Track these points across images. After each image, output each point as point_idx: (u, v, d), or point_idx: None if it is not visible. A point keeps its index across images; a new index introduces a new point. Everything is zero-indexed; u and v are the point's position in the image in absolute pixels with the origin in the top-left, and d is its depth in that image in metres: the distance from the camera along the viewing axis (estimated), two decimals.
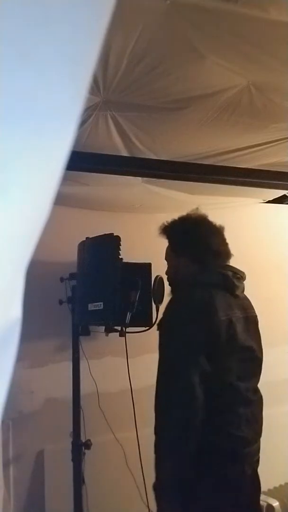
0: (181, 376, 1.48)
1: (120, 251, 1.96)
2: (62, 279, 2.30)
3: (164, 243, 1.84)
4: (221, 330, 1.54)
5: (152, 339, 1.69)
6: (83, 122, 1.45)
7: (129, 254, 2.02)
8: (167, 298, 1.80)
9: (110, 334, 2.07)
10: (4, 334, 0.33)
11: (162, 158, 1.82)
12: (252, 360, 1.66)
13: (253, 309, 1.77)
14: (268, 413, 1.67)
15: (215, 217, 1.79)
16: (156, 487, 1.51)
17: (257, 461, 1.64)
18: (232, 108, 1.44)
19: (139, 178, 2.02)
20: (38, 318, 2.24)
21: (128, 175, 1.93)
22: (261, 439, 1.66)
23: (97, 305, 1.96)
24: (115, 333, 2.05)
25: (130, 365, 2.14)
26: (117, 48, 1.09)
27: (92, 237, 2.09)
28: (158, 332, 1.62)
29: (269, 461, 1.63)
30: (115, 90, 1.29)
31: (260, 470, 1.66)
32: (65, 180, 0.35)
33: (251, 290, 1.79)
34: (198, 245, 1.72)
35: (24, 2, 0.28)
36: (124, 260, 2.00)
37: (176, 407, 1.47)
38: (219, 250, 1.71)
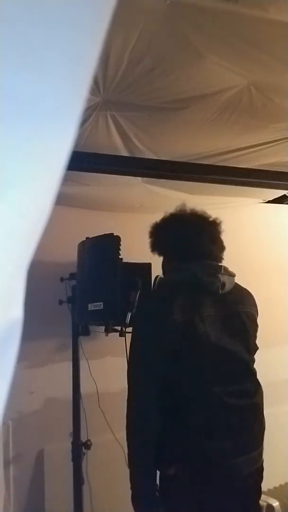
0: (138, 384, 1.46)
1: (120, 251, 1.96)
2: (62, 279, 2.30)
3: None
4: (178, 331, 1.44)
5: None
6: (83, 122, 1.45)
7: (129, 254, 2.02)
8: None
9: (110, 334, 2.07)
10: (4, 334, 0.33)
11: (162, 158, 1.82)
12: (232, 361, 1.52)
13: (248, 304, 1.65)
14: (268, 413, 1.66)
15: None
16: (131, 499, 1.46)
17: (256, 470, 1.53)
18: (232, 108, 1.44)
19: (139, 178, 2.02)
20: (38, 318, 2.24)
21: (128, 175, 1.93)
22: None
23: (97, 305, 1.96)
24: (115, 333, 2.05)
25: None
26: (117, 48, 1.09)
27: (92, 237, 2.09)
28: None
29: (269, 461, 1.62)
30: (115, 90, 1.29)
31: None
32: (65, 180, 0.35)
33: (251, 290, 1.79)
34: (169, 245, 1.67)
35: (24, 2, 0.28)
36: (124, 260, 2.00)
37: (132, 414, 1.46)
38: (198, 248, 1.59)
